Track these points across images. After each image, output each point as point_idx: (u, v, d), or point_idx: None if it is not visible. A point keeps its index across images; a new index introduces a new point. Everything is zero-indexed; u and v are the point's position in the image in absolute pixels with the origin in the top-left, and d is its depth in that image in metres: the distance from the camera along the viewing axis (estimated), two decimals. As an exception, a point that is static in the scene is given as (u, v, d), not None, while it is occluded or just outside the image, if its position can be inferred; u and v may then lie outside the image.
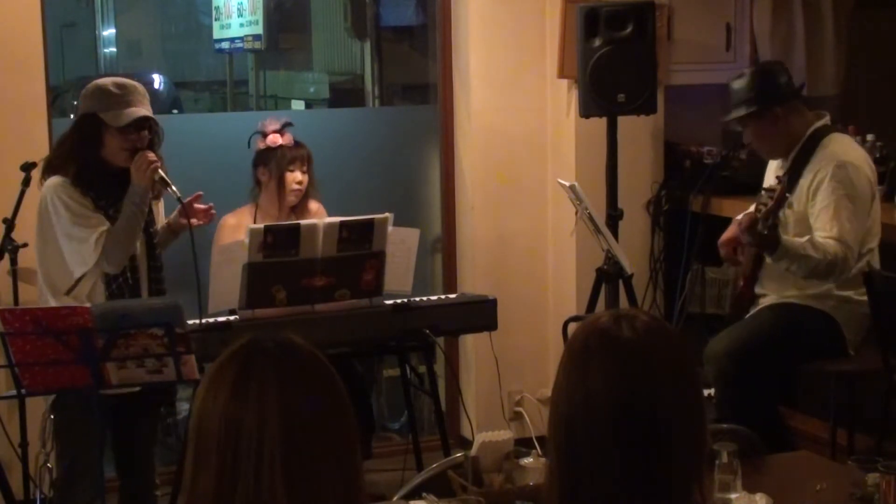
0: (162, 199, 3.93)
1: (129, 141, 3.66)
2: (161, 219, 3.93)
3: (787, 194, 4.06)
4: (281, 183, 4.60)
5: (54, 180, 3.64)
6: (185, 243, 3.77)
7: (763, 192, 4.00)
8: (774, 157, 4.36)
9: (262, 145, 4.65)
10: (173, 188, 3.70)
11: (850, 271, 4.08)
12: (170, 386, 3.78)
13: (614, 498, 1.70)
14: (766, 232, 3.91)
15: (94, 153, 3.66)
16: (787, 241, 4.01)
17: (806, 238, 4.06)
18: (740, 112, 4.26)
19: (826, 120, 4.28)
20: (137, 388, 3.64)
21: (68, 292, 3.64)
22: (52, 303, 3.61)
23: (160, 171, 3.66)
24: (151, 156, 3.65)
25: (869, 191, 4.15)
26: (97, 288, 3.65)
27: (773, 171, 4.38)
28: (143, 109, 3.68)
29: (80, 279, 3.63)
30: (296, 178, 4.62)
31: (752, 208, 4.27)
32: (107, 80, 3.73)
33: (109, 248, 3.62)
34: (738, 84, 4.31)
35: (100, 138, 3.66)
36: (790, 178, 4.16)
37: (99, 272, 3.65)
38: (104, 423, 3.53)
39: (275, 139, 4.62)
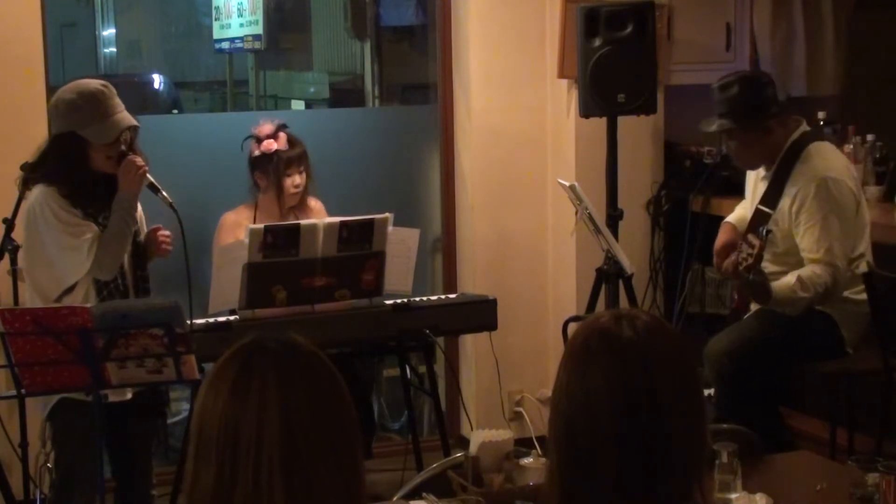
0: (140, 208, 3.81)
1: (115, 149, 3.59)
2: (143, 224, 3.82)
3: (772, 211, 4.05)
4: (280, 188, 4.57)
5: (42, 189, 3.58)
6: (179, 244, 3.74)
7: (744, 243, 3.92)
8: (753, 168, 4.33)
9: (256, 151, 4.61)
10: (164, 193, 3.67)
11: (841, 290, 4.09)
12: (164, 388, 3.78)
13: (614, 498, 1.70)
14: (752, 278, 3.89)
15: (83, 170, 3.59)
16: (776, 288, 4.00)
17: (794, 278, 4.03)
18: (726, 125, 4.18)
19: (804, 127, 4.24)
20: (129, 397, 3.65)
21: (58, 299, 3.58)
22: None
23: (149, 176, 3.62)
24: (139, 161, 3.60)
25: (853, 203, 4.13)
26: (90, 294, 3.61)
27: (752, 181, 4.37)
28: (120, 115, 3.59)
29: (72, 287, 3.59)
30: (294, 181, 4.59)
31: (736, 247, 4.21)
32: (70, 94, 3.59)
33: (101, 255, 3.58)
34: (726, 93, 4.20)
35: (85, 155, 3.58)
36: (772, 194, 4.16)
37: (90, 279, 3.61)
38: (103, 428, 3.53)
39: (269, 146, 4.56)
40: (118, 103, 3.61)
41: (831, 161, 4.18)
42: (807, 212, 4.06)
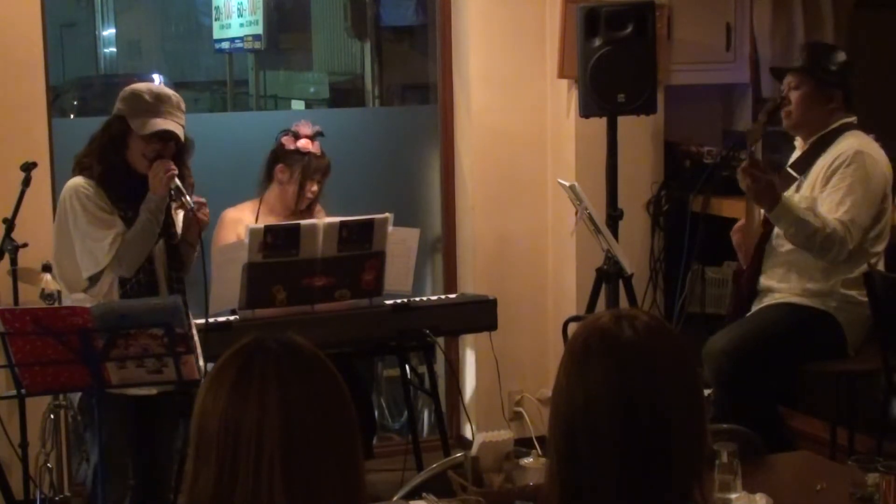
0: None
1: (152, 149, 3.68)
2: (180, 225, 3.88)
3: (800, 177, 4.12)
4: (301, 189, 4.59)
5: (76, 180, 3.68)
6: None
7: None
8: (794, 127, 4.32)
9: (291, 145, 4.62)
10: (187, 198, 3.71)
11: (845, 255, 4.07)
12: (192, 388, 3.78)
13: (615, 498, 1.70)
14: (757, 172, 3.99)
15: (118, 155, 3.70)
16: (787, 199, 4.04)
17: (807, 206, 4.09)
18: (808, 69, 4.25)
19: (854, 119, 4.29)
20: (154, 393, 3.66)
21: (86, 290, 3.67)
22: (67, 299, 3.69)
23: (176, 180, 3.67)
24: (169, 165, 3.66)
25: (882, 184, 4.16)
26: (114, 287, 3.69)
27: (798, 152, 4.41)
28: (171, 123, 3.68)
29: (97, 277, 3.66)
30: (313, 188, 4.61)
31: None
32: (143, 87, 3.76)
33: (122, 252, 3.65)
34: (818, 48, 4.39)
35: (125, 141, 3.69)
36: (803, 162, 4.20)
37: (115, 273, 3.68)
38: (129, 421, 3.61)
39: (306, 145, 4.61)
40: (176, 114, 3.72)
41: (872, 145, 4.24)
42: (837, 176, 4.11)
